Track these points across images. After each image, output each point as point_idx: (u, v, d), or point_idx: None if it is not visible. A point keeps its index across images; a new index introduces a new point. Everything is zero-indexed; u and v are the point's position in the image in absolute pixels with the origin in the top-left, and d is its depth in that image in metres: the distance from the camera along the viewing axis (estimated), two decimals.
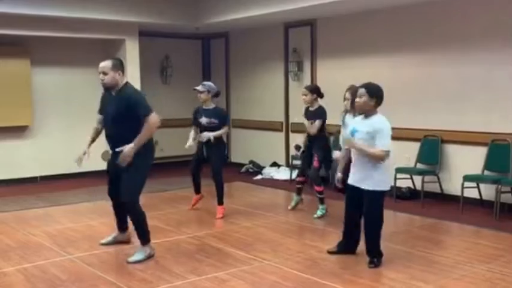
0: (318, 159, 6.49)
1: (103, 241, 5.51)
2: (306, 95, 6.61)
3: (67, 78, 9.63)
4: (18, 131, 9.16)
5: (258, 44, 10.25)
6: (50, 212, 7.15)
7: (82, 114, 9.27)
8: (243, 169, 10.18)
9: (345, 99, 5.92)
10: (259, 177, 9.65)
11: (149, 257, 5.01)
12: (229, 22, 9.35)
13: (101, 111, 5.17)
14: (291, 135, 9.62)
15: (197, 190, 6.97)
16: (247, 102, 10.56)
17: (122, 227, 5.46)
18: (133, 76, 9.61)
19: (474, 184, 6.84)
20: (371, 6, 7.79)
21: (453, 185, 7.21)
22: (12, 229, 6.23)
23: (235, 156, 10.88)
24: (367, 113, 4.71)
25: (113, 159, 4.98)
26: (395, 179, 7.39)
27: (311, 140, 6.63)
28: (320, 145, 6.54)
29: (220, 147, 6.71)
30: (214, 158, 6.61)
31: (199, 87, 6.65)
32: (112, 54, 9.87)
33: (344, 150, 5.16)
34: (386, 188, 4.78)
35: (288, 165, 9.58)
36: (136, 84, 9.58)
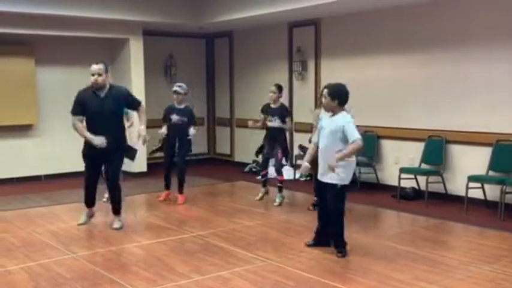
0: (282, 152, 7.21)
1: (80, 221, 6.14)
2: (274, 92, 7.22)
3: (71, 77, 9.60)
4: (22, 129, 9.18)
5: (262, 43, 10.24)
6: (54, 210, 7.16)
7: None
8: (246, 168, 10.17)
9: (322, 96, 5.75)
10: None
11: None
12: (233, 21, 9.35)
13: (81, 112, 5.64)
14: (295, 134, 9.61)
15: (169, 186, 7.50)
16: (250, 101, 10.53)
17: (93, 204, 6.14)
18: (137, 75, 9.65)
19: (479, 184, 6.82)
20: (375, 5, 7.77)
21: (457, 185, 7.18)
22: (17, 227, 6.25)
23: (239, 156, 10.88)
24: (333, 111, 5.04)
25: (96, 151, 5.65)
26: (400, 179, 7.38)
27: (274, 135, 7.19)
28: (282, 139, 7.29)
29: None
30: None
31: (181, 89, 7.30)
32: (116, 53, 9.91)
33: (314, 144, 5.32)
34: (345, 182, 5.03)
35: (291, 164, 9.56)
36: (140, 83, 9.63)
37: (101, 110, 5.56)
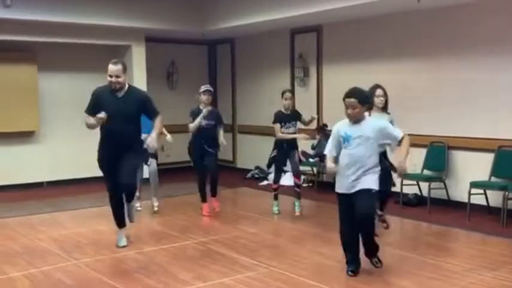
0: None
1: (122, 244, 5.57)
2: (291, 99, 7.01)
3: (74, 84, 9.66)
4: (25, 136, 9.20)
5: (264, 50, 10.26)
6: (56, 217, 7.17)
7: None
8: (249, 175, 10.17)
9: (376, 96, 5.71)
10: (264, 182, 9.63)
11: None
12: (235, 28, 9.37)
13: (94, 113, 5.24)
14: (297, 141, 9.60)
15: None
16: (252, 107, 10.56)
17: (124, 222, 5.62)
18: (139, 81, 9.64)
19: (481, 191, 6.80)
20: (377, 12, 7.79)
21: (460, 191, 7.17)
22: (19, 234, 6.24)
23: (241, 162, 10.88)
24: (360, 118, 4.55)
25: (114, 151, 5.26)
26: (402, 185, 7.37)
27: (291, 142, 6.97)
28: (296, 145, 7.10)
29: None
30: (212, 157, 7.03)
31: (210, 88, 7.01)
32: (118, 60, 9.92)
33: (332, 156, 4.69)
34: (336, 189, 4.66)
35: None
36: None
37: (118, 111, 5.15)
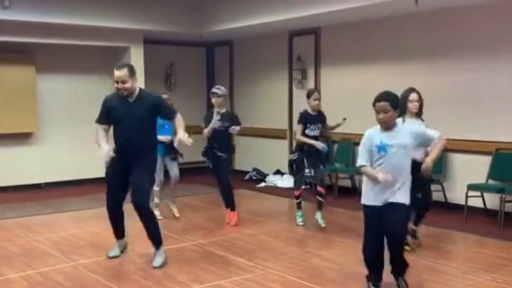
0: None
1: (112, 254, 5.32)
2: (320, 99, 6.48)
3: (72, 85, 9.67)
4: (23, 137, 9.20)
5: (262, 52, 10.28)
6: (55, 218, 7.17)
7: (87, 121, 9.25)
8: (247, 177, 10.18)
9: (409, 101, 5.36)
10: (262, 184, 9.66)
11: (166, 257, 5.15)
12: (234, 30, 9.39)
13: (106, 121, 4.98)
14: (295, 143, 9.61)
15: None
16: (251, 109, 10.56)
17: (122, 233, 5.38)
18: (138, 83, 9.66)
19: (478, 193, 6.82)
20: (375, 15, 7.81)
21: (457, 194, 7.18)
22: (17, 236, 6.24)
23: (239, 164, 10.88)
24: (392, 124, 4.13)
25: (126, 161, 4.90)
26: None
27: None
28: None
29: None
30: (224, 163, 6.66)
31: (219, 91, 6.57)
32: (117, 61, 9.91)
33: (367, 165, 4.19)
34: (362, 201, 4.23)
35: (291, 172, 9.56)
36: None
37: (129, 116, 4.83)
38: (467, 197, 6.70)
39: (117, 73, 4.80)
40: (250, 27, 8.96)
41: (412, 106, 5.33)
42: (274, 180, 9.67)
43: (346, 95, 8.56)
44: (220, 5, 9.33)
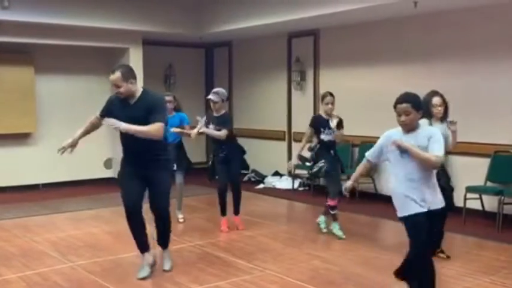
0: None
1: (142, 275, 4.79)
2: (332, 103, 6.15)
3: (71, 86, 9.66)
4: (21, 138, 9.19)
5: (261, 54, 10.28)
6: (53, 219, 7.16)
7: (85, 122, 9.29)
8: (245, 178, 10.17)
9: (432, 106, 5.17)
10: (261, 186, 9.66)
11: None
12: (233, 31, 9.39)
13: (104, 115, 4.83)
14: (294, 144, 9.62)
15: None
16: (249, 111, 10.57)
17: (148, 246, 4.91)
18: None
19: (477, 195, 6.83)
20: (374, 17, 7.81)
21: (456, 196, 7.15)
22: (15, 236, 6.23)
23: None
24: (414, 126, 3.86)
25: (135, 165, 4.73)
26: None
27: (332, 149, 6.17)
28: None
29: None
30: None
31: (215, 97, 6.28)
32: (116, 62, 9.91)
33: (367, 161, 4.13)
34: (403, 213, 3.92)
35: (290, 174, 9.57)
36: None
37: (128, 119, 4.59)
38: (465, 199, 6.70)
39: (111, 77, 4.68)
40: (249, 28, 8.96)
41: (436, 111, 5.14)
42: (272, 181, 9.68)
43: (345, 96, 8.51)
44: (219, 7, 9.33)
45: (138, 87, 4.80)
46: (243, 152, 6.72)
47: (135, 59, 9.61)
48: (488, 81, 6.92)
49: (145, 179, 4.72)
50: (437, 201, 3.83)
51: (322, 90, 8.99)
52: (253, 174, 10.15)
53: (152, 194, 4.77)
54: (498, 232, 6.30)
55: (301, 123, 9.32)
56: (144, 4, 9.13)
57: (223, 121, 6.30)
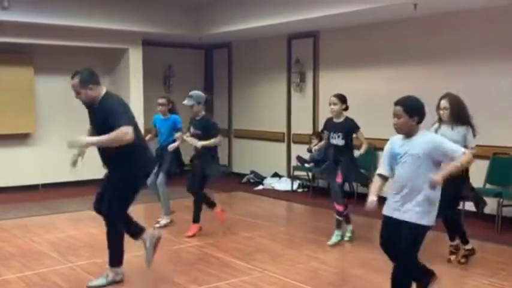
0: (342, 172, 5.78)
1: (95, 283, 4.55)
2: (335, 104, 5.88)
3: (70, 87, 9.62)
4: (21, 138, 9.19)
5: (261, 55, 10.29)
6: (52, 219, 7.16)
7: (85, 122, 9.24)
8: (244, 179, 10.18)
9: (440, 108, 5.24)
10: (260, 187, 9.67)
11: (112, 282, 4.51)
12: (232, 33, 9.40)
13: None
14: (293, 146, 9.64)
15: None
16: (249, 112, 10.59)
17: (138, 232, 4.76)
18: (136, 85, 9.68)
19: None
20: (373, 19, 7.82)
21: None
22: (14, 236, 6.24)
23: (237, 166, 10.89)
24: (410, 131, 3.69)
25: (107, 170, 4.70)
26: None
27: (336, 155, 5.90)
28: (347, 160, 5.85)
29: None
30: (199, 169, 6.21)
31: (187, 101, 6.18)
32: (115, 63, 9.95)
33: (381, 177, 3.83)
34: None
35: (289, 175, 9.58)
36: (139, 93, 9.65)
37: (93, 124, 4.55)
38: (464, 201, 6.70)
39: (70, 82, 4.51)
40: (249, 29, 8.97)
41: (441, 114, 5.21)
42: (271, 183, 9.69)
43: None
44: (219, 8, 9.34)
45: (101, 91, 4.49)
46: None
47: (135, 59, 9.63)
48: (488, 83, 6.93)
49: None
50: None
51: (321, 91, 9.05)
52: (252, 176, 10.16)
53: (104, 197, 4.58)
54: (497, 234, 6.31)
55: (301, 125, 9.38)
56: (144, 5, 9.14)
57: (205, 125, 6.16)
